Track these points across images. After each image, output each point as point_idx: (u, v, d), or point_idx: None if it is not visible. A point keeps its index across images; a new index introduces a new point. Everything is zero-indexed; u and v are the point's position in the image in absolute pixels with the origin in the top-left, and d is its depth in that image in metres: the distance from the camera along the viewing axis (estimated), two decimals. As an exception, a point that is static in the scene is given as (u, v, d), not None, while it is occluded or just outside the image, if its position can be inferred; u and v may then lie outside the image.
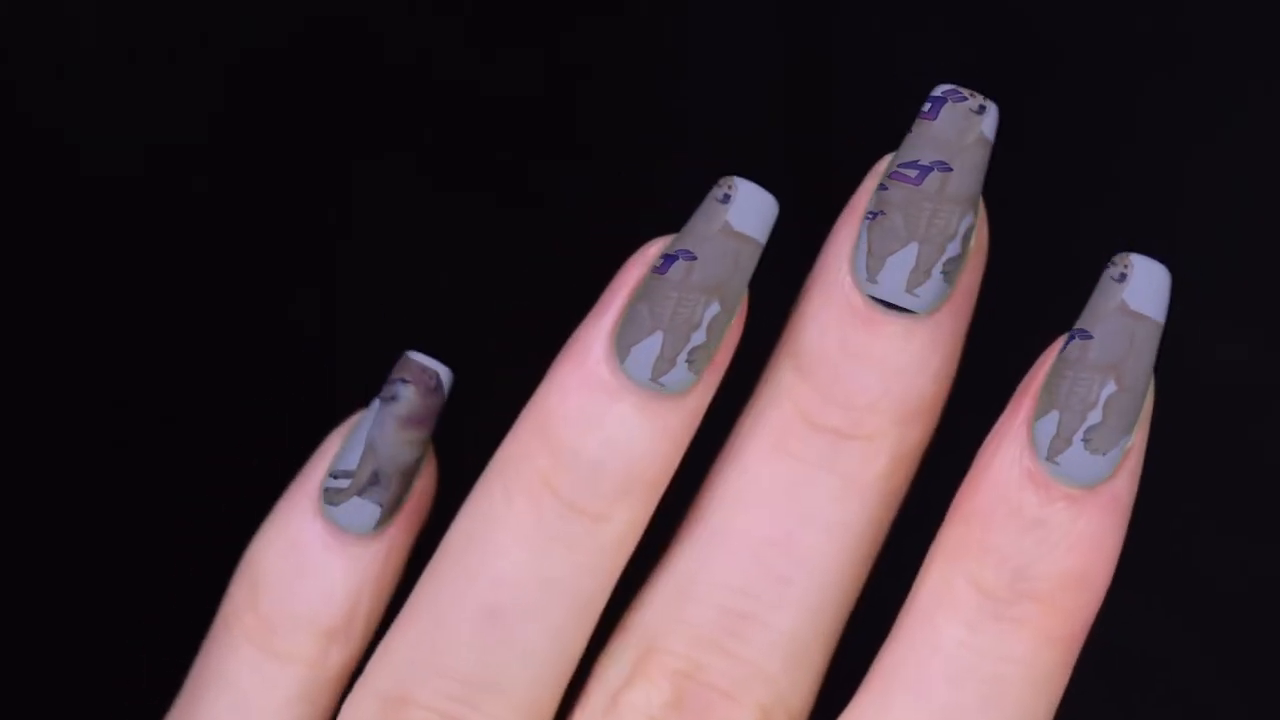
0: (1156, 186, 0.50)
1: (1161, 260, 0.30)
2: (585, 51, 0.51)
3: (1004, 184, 0.32)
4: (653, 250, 0.31)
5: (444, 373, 0.32)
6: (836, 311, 0.30)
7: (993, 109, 0.30)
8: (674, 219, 0.32)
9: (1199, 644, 0.49)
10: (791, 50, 0.51)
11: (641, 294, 0.30)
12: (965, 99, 0.30)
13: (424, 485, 0.32)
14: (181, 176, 0.49)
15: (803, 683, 0.31)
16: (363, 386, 0.35)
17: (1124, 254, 0.30)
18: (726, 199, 0.30)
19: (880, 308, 0.30)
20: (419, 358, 0.32)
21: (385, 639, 0.31)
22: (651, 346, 0.30)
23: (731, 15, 0.51)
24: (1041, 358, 0.31)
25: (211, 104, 0.49)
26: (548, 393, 0.31)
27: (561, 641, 0.31)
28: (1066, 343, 0.30)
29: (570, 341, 0.31)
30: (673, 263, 0.30)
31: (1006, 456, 0.30)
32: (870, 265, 0.30)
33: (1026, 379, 0.31)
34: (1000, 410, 0.31)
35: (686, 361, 0.30)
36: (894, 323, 0.30)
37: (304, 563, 0.32)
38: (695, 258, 0.30)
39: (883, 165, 0.31)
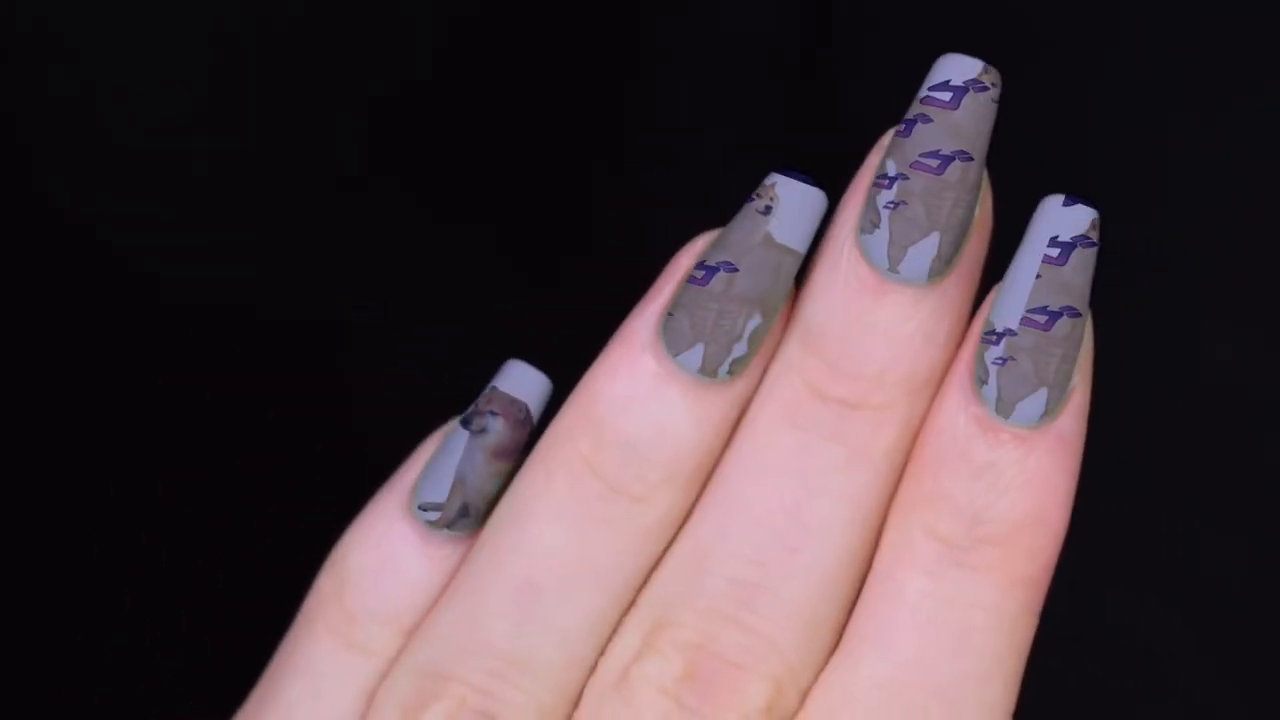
0: (1161, 186, 0.51)
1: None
2: (584, 53, 0.51)
3: (1009, 179, 0.32)
4: (700, 244, 0.31)
5: (537, 391, 0.32)
6: (843, 283, 0.30)
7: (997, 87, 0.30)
8: (675, 220, 0.32)
9: (1199, 642, 0.50)
10: (792, 50, 0.51)
11: (681, 304, 0.30)
12: (987, 89, 0.30)
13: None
14: (195, 186, 0.49)
15: (814, 655, 0.30)
16: (377, 397, 0.35)
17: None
18: (768, 210, 0.30)
19: (887, 277, 0.30)
20: (511, 385, 0.32)
21: (427, 616, 0.31)
22: (693, 359, 0.30)
23: (732, 15, 0.51)
24: (978, 312, 0.31)
25: (230, 125, 0.49)
26: (595, 376, 0.31)
27: (596, 621, 0.31)
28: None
29: (620, 328, 0.31)
30: (714, 274, 0.30)
31: (951, 404, 0.30)
32: (892, 254, 0.30)
33: (968, 331, 0.31)
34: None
35: (728, 373, 0.30)
36: (901, 292, 0.30)
37: (390, 560, 0.32)
38: (736, 270, 0.30)
39: (886, 139, 0.30)
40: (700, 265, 0.30)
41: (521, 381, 0.32)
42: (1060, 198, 0.30)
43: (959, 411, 0.30)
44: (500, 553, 0.31)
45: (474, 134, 0.51)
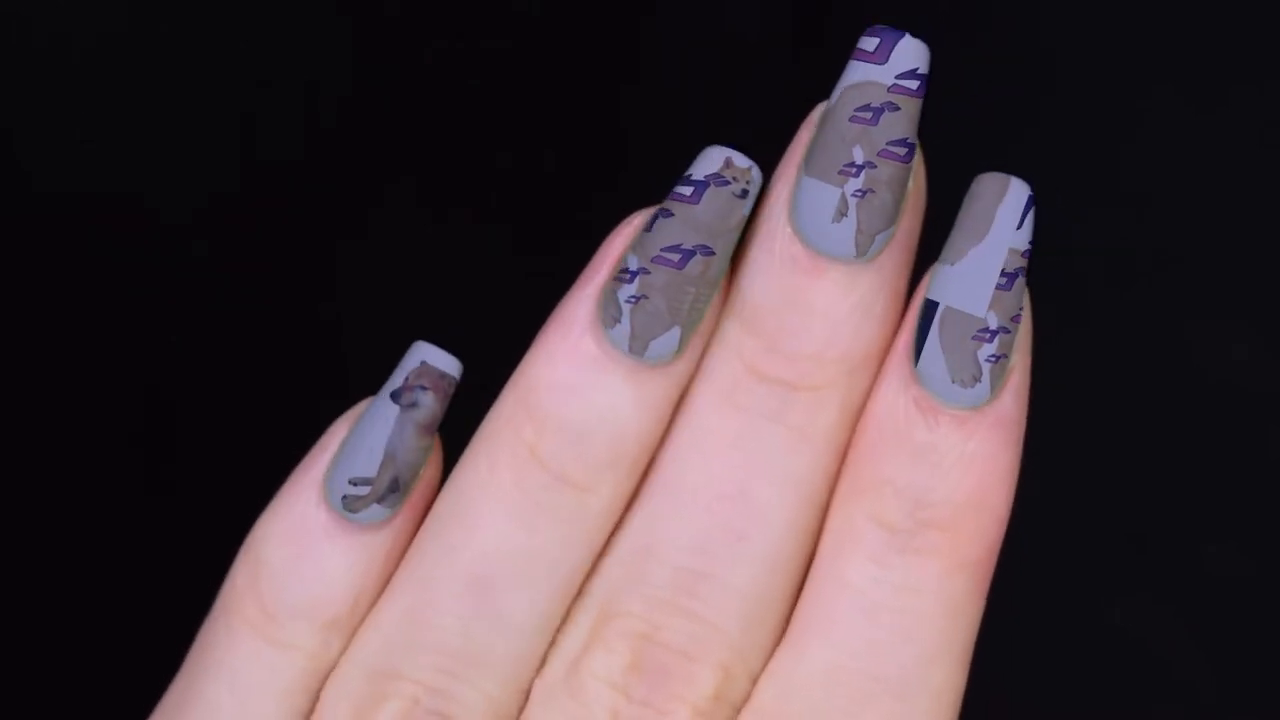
0: (1166, 184, 0.51)
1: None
2: (584, 49, 0.51)
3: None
4: (636, 221, 0.30)
5: (456, 369, 0.32)
6: (778, 262, 0.30)
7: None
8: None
9: (1201, 641, 0.50)
10: (787, 47, 0.51)
11: (655, 287, 0.30)
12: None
13: (430, 474, 0.32)
14: (208, 200, 0.50)
15: (763, 639, 0.30)
16: (370, 375, 0.35)
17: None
18: (744, 194, 0.30)
19: (821, 256, 0.30)
20: (435, 361, 0.31)
21: (371, 612, 0.31)
22: (670, 341, 0.30)
23: (729, 15, 0.51)
24: (916, 291, 0.30)
25: (237, 137, 0.49)
26: (533, 363, 0.30)
27: (546, 613, 0.30)
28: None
29: (555, 312, 0.30)
30: (690, 257, 0.30)
31: (890, 388, 0.30)
32: (860, 242, 0.30)
33: (905, 316, 0.30)
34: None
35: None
36: (836, 269, 0.30)
37: (307, 551, 0.31)
38: (714, 253, 0.30)
39: (816, 115, 0.30)
40: (674, 248, 0.30)
41: (439, 361, 0.32)
42: (1022, 189, 0.30)
43: (898, 394, 0.30)
44: (447, 547, 0.30)
45: (473, 133, 0.51)
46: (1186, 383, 0.50)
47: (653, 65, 0.51)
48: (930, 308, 0.30)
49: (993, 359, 0.30)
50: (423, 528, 0.31)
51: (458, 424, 0.32)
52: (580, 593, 0.31)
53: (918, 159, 0.30)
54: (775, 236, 0.30)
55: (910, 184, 0.30)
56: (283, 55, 0.50)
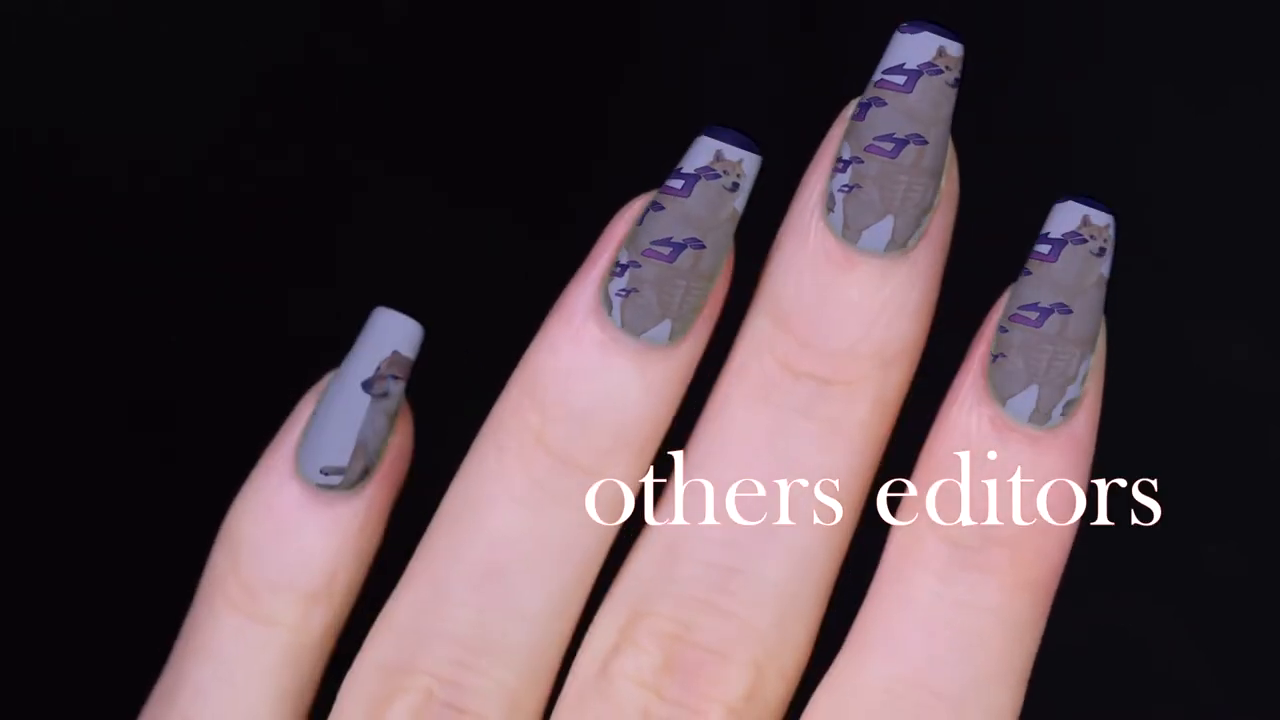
0: (1166, 184, 0.50)
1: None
2: (583, 35, 0.51)
3: (1004, 176, 0.32)
4: (636, 206, 0.31)
5: (418, 334, 0.32)
6: (810, 257, 0.30)
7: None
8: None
9: (1201, 641, 0.50)
10: (792, 31, 0.51)
11: (646, 280, 0.30)
12: (941, 71, 0.30)
13: (400, 442, 0.32)
14: (202, 190, 0.49)
15: (795, 637, 0.30)
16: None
17: (1095, 219, 0.30)
18: (735, 187, 0.30)
19: (854, 250, 0.30)
20: (397, 329, 0.32)
21: (385, 608, 0.31)
22: (660, 334, 0.30)
23: (737, 20, 0.51)
24: (993, 309, 0.30)
25: (229, 120, 0.49)
26: (537, 350, 0.31)
27: (560, 601, 0.30)
28: (1039, 311, 0.30)
29: (558, 302, 0.31)
30: (681, 251, 0.30)
31: (964, 404, 0.30)
32: (847, 238, 0.30)
33: (981, 329, 0.30)
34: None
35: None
36: (869, 263, 0.30)
37: (282, 526, 0.31)
38: (704, 247, 0.30)
39: (849, 111, 0.30)
40: (665, 242, 0.30)
41: (401, 331, 0.32)
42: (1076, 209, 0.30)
43: (971, 411, 0.30)
44: (458, 540, 0.30)
45: (473, 132, 0.51)
46: (1186, 383, 0.50)
47: (653, 65, 0.51)
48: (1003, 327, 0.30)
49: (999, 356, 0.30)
50: (433, 521, 0.31)
51: (459, 414, 0.32)
52: (611, 592, 0.31)
53: (950, 156, 0.30)
54: (808, 233, 0.30)
55: (944, 183, 0.30)
56: (283, 54, 0.50)
